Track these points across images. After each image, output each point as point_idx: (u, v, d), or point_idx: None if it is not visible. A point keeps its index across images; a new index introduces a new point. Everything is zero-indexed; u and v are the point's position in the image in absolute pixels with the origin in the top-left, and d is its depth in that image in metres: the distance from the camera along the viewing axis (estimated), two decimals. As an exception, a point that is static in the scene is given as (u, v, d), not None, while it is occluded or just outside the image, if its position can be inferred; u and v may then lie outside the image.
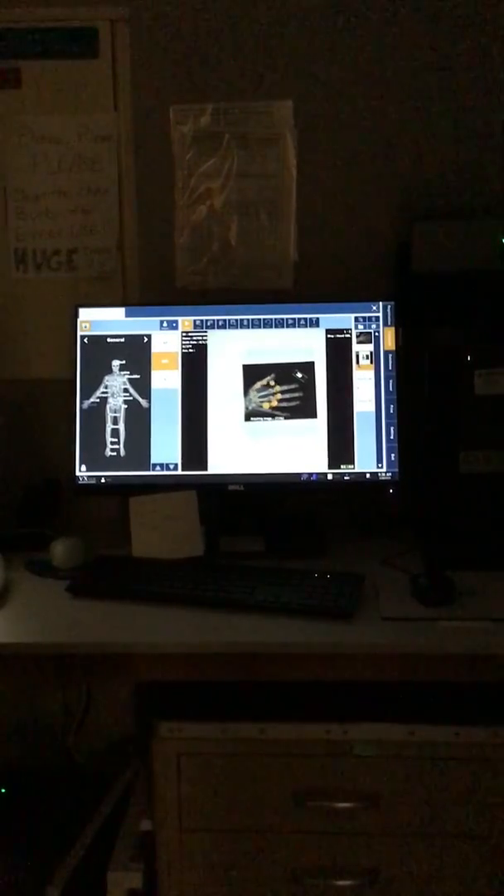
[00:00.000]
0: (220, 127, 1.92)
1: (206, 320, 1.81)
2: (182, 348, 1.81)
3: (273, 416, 1.79)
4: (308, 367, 1.79)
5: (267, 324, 1.80)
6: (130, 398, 1.81)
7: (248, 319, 1.81)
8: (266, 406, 1.79)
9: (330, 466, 1.78)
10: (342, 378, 1.79)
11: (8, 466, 1.96)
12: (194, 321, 1.81)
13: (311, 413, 1.78)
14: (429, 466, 1.73)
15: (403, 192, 1.92)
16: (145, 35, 1.90)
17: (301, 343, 1.80)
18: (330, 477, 1.78)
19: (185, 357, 1.81)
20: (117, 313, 1.84)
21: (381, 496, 1.79)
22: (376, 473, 1.77)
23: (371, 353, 1.79)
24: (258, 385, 1.80)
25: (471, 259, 1.76)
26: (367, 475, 1.77)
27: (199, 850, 1.50)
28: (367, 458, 1.77)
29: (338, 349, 1.79)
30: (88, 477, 1.81)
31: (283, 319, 1.80)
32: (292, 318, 1.80)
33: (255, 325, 1.81)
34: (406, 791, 1.46)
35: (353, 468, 1.78)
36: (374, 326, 1.79)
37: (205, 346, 1.81)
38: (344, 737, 1.46)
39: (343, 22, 1.87)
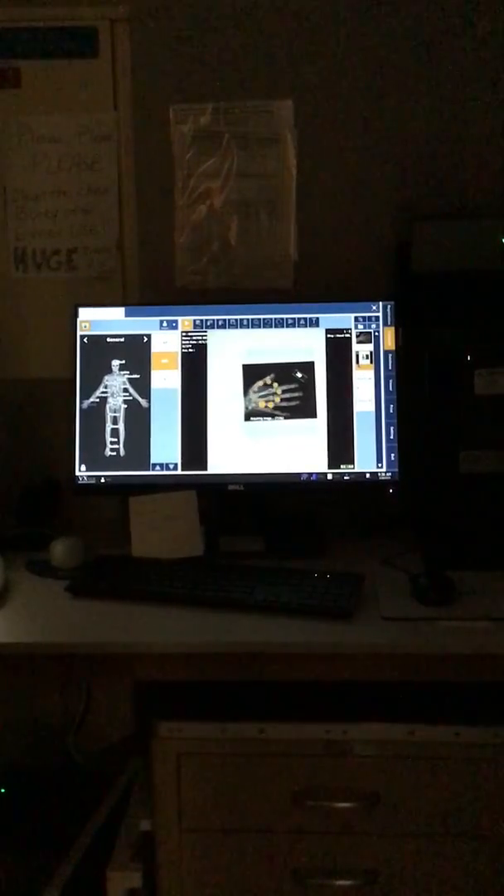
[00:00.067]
0: (220, 127, 1.92)
1: (206, 320, 1.81)
2: (182, 348, 1.81)
3: (273, 416, 1.79)
4: (308, 367, 1.79)
5: (267, 323, 1.80)
6: (130, 398, 1.81)
7: (247, 319, 1.81)
8: (266, 406, 1.79)
9: (330, 466, 1.78)
10: (342, 378, 1.79)
11: (8, 466, 1.96)
12: (194, 321, 1.81)
13: (310, 413, 1.78)
14: (429, 466, 1.72)
15: (403, 192, 1.92)
16: (145, 35, 1.90)
17: (301, 343, 1.80)
18: (330, 477, 1.78)
19: (185, 357, 1.81)
20: (117, 313, 1.84)
21: (381, 496, 1.79)
22: (376, 473, 1.77)
23: (371, 352, 1.79)
24: (258, 385, 1.80)
25: (471, 259, 1.76)
26: (367, 475, 1.77)
27: (198, 850, 1.50)
28: (366, 458, 1.77)
29: (338, 349, 1.79)
30: (88, 477, 1.81)
31: (282, 319, 1.80)
32: (292, 318, 1.80)
33: (254, 324, 1.81)
34: (406, 791, 1.46)
35: (353, 468, 1.77)
36: (373, 326, 1.79)
37: (204, 346, 1.81)
38: (344, 737, 1.45)
39: (343, 22, 1.87)
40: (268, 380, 1.79)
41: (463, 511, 1.69)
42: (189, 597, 1.54)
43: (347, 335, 1.79)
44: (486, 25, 1.85)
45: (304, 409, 1.79)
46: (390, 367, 1.78)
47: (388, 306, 1.79)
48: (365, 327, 1.79)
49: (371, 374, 1.78)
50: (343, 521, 1.89)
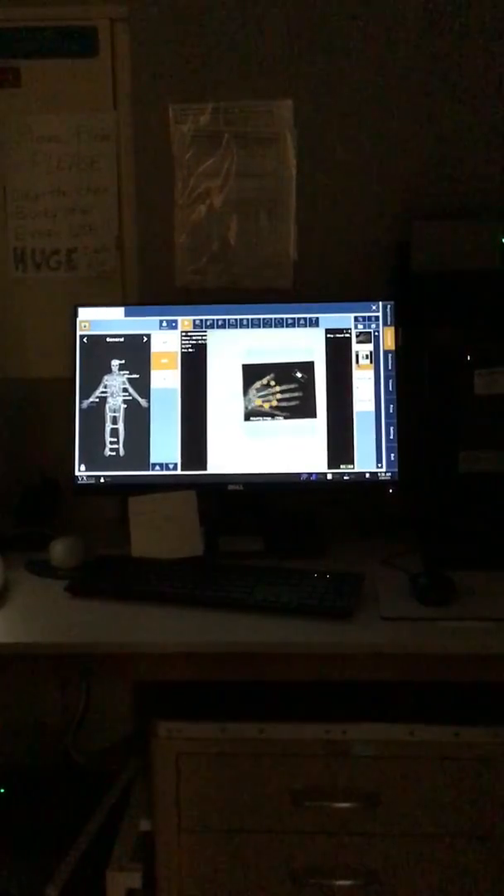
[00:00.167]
0: (220, 126, 1.92)
1: (206, 320, 1.81)
2: (181, 348, 1.81)
3: (273, 416, 1.79)
4: (308, 367, 1.79)
5: (266, 323, 1.80)
6: (130, 398, 1.81)
7: (247, 319, 1.81)
8: (266, 406, 1.79)
9: (330, 466, 1.78)
10: (342, 378, 1.78)
11: (7, 466, 1.96)
12: (194, 321, 1.81)
13: (310, 413, 1.78)
14: (429, 466, 1.72)
15: (403, 192, 1.91)
16: (145, 34, 1.90)
17: (301, 343, 1.80)
18: (330, 477, 1.78)
19: (185, 357, 1.81)
20: (117, 313, 1.84)
21: (381, 496, 1.79)
22: (376, 473, 1.77)
23: (371, 352, 1.79)
24: (258, 385, 1.80)
25: (471, 259, 1.76)
26: (367, 475, 1.77)
27: (198, 850, 1.50)
28: (366, 458, 1.77)
29: (337, 349, 1.79)
30: (88, 477, 1.80)
31: (282, 319, 1.80)
32: (292, 318, 1.80)
33: (254, 324, 1.81)
34: (406, 791, 1.46)
35: (353, 468, 1.77)
36: (373, 326, 1.79)
37: (204, 346, 1.81)
38: (343, 737, 1.45)
39: (343, 21, 1.87)
40: (267, 380, 1.79)
41: (463, 511, 1.69)
42: (189, 597, 1.54)
43: (347, 335, 1.79)
44: (487, 24, 1.85)
45: (303, 408, 1.79)
46: (390, 367, 1.78)
47: (388, 306, 1.79)
48: (365, 327, 1.79)
49: (371, 373, 1.78)
50: (343, 521, 1.89)
